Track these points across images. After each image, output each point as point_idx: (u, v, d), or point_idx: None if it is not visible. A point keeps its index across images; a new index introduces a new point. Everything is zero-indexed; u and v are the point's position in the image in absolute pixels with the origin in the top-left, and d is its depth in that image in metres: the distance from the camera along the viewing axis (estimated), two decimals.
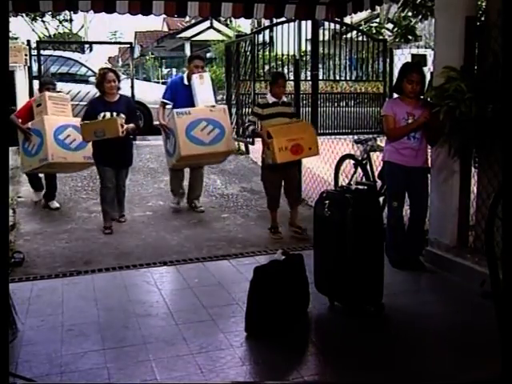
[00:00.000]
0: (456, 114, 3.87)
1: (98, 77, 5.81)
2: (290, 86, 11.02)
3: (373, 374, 2.97)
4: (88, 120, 5.62)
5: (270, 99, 5.39)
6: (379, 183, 5.39)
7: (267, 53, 10.72)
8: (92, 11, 5.37)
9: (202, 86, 5.97)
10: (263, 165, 5.43)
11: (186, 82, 6.16)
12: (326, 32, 9.87)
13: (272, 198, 5.44)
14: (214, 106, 6.02)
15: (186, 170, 6.53)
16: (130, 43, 11.70)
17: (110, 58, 29.17)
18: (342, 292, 3.62)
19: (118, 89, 5.77)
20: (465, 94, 3.88)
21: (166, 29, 30.88)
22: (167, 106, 6.36)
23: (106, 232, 5.54)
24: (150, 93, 11.51)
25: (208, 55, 27.83)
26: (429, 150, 4.58)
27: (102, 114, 5.62)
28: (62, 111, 6.08)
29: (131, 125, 5.64)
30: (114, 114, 5.62)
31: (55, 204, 6.39)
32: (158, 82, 22.27)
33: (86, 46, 19.72)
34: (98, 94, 5.84)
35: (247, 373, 2.97)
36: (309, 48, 8.75)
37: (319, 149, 5.37)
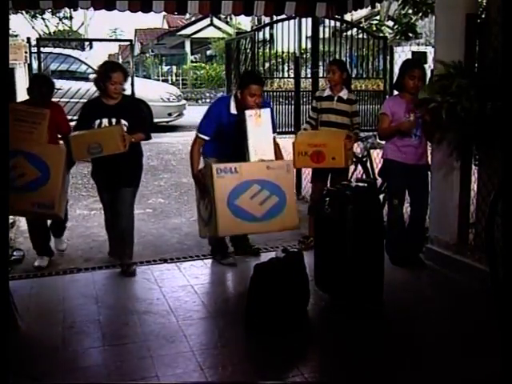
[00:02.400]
0: (458, 110, 3.86)
1: (99, 70, 4.38)
2: (290, 83, 11.10)
3: (372, 372, 2.97)
4: (81, 129, 4.30)
5: (326, 92, 5.00)
6: (379, 181, 5.38)
7: (267, 50, 10.71)
8: (92, 8, 5.37)
9: (259, 130, 4.09)
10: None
11: (233, 110, 4.31)
12: (327, 29, 9.86)
13: (311, 204, 5.04)
14: (272, 161, 4.12)
15: None
16: (130, 40, 11.68)
17: (110, 55, 29.13)
18: (343, 289, 3.62)
19: (123, 90, 4.42)
20: (467, 91, 3.87)
21: (166, 26, 30.89)
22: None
23: (127, 271, 4.43)
24: (150, 90, 11.53)
25: (208, 53, 27.90)
26: (429, 148, 4.58)
27: (97, 122, 4.28)
28: (29, 132, 4.18)
29: (138, 134, 4.32)
30: (114, 120, 4.30)
31: (63, 245, 4.94)
32: (158, 80, 22.31)
33: (86, 43, 19.74)
34: (96, 94, 4.62)
35: (247, 370, 2.97)
36: (309, 45, 8.75)
37: (347, 160, 4.65)
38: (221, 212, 3.93)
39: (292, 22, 8.63)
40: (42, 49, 9.78)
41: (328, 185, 4.76)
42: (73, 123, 4.70)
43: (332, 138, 4.67)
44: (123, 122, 4.27)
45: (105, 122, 4.29)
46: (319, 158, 4.52)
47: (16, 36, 16.02)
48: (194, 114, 6.07)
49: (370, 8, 7.00)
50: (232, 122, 4.28)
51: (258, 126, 4.06)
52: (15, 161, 4.04)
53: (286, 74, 11.72)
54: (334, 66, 4.95)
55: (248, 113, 4.06)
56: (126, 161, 4.23)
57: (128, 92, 5.74)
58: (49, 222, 4.78)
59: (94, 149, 4.10)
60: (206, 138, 4.35)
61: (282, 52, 10.83)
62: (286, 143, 4.99)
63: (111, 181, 4.40)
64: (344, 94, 4.95)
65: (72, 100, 9.77)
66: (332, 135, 4.76)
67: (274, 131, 4.41)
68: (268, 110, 4.17)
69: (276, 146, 4.29)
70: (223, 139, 4.33)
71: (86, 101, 4.56)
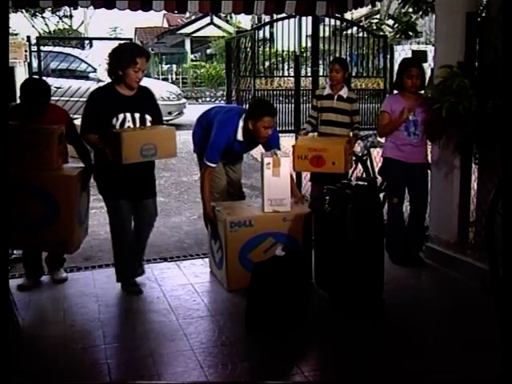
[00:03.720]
0: (460, 110, 3.86)
1: (119, 53, 3.67)
2: (290, 82, 11.09)
3: (373, 370, 2.97)
4: (94, 124, 3.63)
5: (327, 91, 5.00)
6: (379, 179, 5.38)
7: (267, 49, 10.71)
8: (92, 7, 5.35)
9: (276, 180, 3.94)
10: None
11: (240, 137, 4.14)
12: (327, 28, 9.85)
13: (311, 203, 4.84)
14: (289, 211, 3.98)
15: None
16: (130, 39, 11.64)
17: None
18: (343, 288, 3.62)
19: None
20: (468, 90, 3.87)
21: (166, 25, 30.88)
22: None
23: (134, 290, 3.96)
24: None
25: (208, 51, 27.87)
26: (429, 146, 4.58)
27: (120, 116, 3.65)
28: (37, 157, 3.63)
29: None
30: (137, 116, 3.72)
31: (62, 274, 4.25)
32: (158, 78, 22.28)
33: (86, 42, 19.70)
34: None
35: (247, 369, 2.97)
36: (309, 44, 8.74)
37: (346, 165, 4.61)
38: (231, 267, 3.91)
39: (292, 20, 8.62)
40: (42, 47, 9.77)
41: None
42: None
43: (332, 142, 4.65)
44: (148, 117, 3.76)
45: (128, 116, 3.68)
46: (319, 162, 4.49)
47: (16, 35, 16.00)
48: (194, 112, 6.05)
49: (370, 7, 7.00)
50: (237, 146, 4.21)
51: (276, 175, 3.95)
52: (19, 197, 3.52)
53: (286, 73, 11.70)
54: (337, 65, 4.93)
55: (266, 160, 3.94)
56: (151, 168, 3.87)
57: None
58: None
59: (147, 151, 3.50)
60: (214, 165, 4.13)
61: (282, 51, 10.82)
62: (287, 142, 5.00)
63: (134, 191, 3.80)
64: (344, 92, 4.95)
65: (72, 99, 9.78)
66: (332, 141, 4.73)
67: (279, 148, 4.25)
68: (288, 159, 4.03)
69: (291, 181, 4.17)
70: (226, 155, 4.24)
71: (92, 93, 3.78)
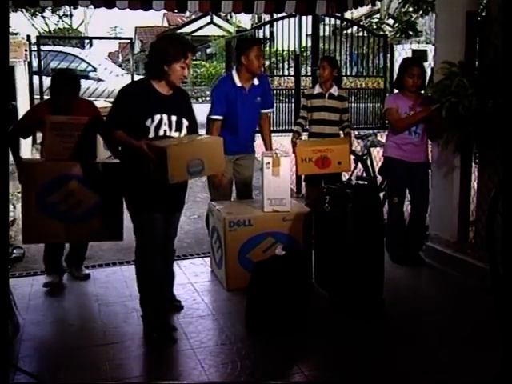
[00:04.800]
0: (459, 110, 3.86)
1: (167, 45, 3.13)
2: (290, 81, 11.09)
3: (373, 370, 2.97)
4: (121, 120, 3.11)
5: (317, 89, 4.95)
6: (380, 179, 5.38)
7: (268, 48, 10.71)
8: (92, 6, 5.35)
9: (276, 180, 3.91)
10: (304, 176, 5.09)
11: (238, 82, 4.16)
12: (327, 27, 9.86)
13: (308, 203, 4.85)
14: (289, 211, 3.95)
15: None
16: (130, 39, 11.68)
17: (110, 53, 29.10)
18: (343, 287, 3.62)
19: None
20: (467, 90, 3.87)
21: (166, 24, 30.88)
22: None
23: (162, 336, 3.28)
24: None
25: (208, 51, 27.88)
26: (429, 146, 4.58)
27: (157, 118, 3.12)
28: (68, 147, 3.66)
29: None
30: (174, 119, 3.19)
31: (83, 271, 4.29)
32: None
33: (86, 41, 19.71)
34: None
35: (247, 368, 2.97)
36: (309, 43, 8.75)
37: (350, 164, 4.55)
38: (230, 266, 3.90)
39: (292, 19, 8.63)
40: (41, 47, 9.78)
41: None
42: None
43: (335, 142, 4.59)
44: (185, 122, 3.26)
45: (165, 118, 3.16)
46: (325, 163, 4.40)
47: (16, 34, 15.98)
48: (194, 111, 6.05)
49: (370, 6, 6.99)
50: (240, 95, 4.22)
51: (276, 175, 3.92)
52: (69, 187, 3.63)
53: (286, 72, 11.70)
54: (325, 63, 4.89)
55: (266, 160, 3.92)
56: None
57: None
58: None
59: (194, 167, 3.02)
60: (220, 117, 4.14)
61: (283, 50, 10.83)
62: (287, 142, 4.99)
63: (170, 202, 3.32)
64: (334, 90, 4.90)
65: None
66: (334, 140, 4.69)
67: (272, 106, 4.73)
68: (288, 158, 3.99)
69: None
70: (234, 121, 4.22)
71: (124, 88, 3.25)
